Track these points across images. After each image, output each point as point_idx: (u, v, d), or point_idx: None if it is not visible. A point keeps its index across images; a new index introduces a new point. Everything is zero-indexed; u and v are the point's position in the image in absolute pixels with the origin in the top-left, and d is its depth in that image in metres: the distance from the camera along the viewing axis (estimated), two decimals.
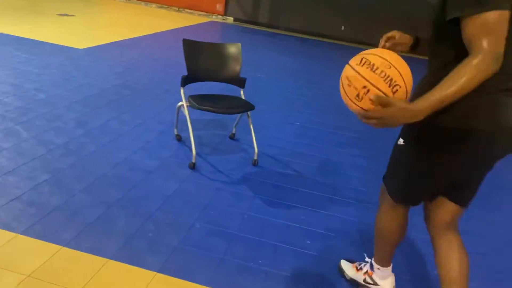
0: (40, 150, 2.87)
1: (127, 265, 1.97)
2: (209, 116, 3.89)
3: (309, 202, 2.75)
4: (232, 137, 3.56)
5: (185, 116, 3.07)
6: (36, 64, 4.62)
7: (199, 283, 1.93)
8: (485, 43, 1.25)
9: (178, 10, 10.83)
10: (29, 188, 2.43)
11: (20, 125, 3.18)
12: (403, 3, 9.48)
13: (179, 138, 3.35)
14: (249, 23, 10.55)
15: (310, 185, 2.99)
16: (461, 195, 1.64)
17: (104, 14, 8.60)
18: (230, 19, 10.73)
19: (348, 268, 2.10)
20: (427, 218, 1.76)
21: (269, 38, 9.21)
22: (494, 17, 1.25)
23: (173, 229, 2.27)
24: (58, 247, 2.02)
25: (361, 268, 2.05)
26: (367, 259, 2.08)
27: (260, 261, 2.13)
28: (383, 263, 1.94)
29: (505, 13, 1.26)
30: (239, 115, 3.47)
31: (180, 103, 3.14)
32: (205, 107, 2.83)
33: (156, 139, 3.30)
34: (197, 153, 3.15)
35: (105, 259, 1.98)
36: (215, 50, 3.23)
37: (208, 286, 1.92)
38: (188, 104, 3.00)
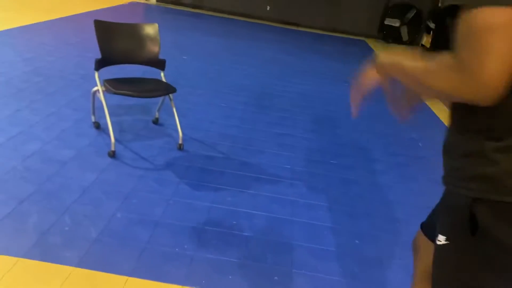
0: None
1: (41, 262, 1.85)
2: (130, 101, 3.73)
3: (235, 183, 2.74)
4: (156, 122, 3.45)
5: (102, 102, 2.91)
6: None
7: (121, 274, 1.85)
8: (466, 53, 0.80)
9: None
10: None
11: None
12: None
13: (97, 126, 3.18)
14: (172, 4, 10.24)
15: (237, 166, 2.98)
16: None
17: None
18: (152, 0, 10.34)
19: None
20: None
21: (193, 19, 9.01)
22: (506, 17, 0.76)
23: (91, 221, 2.16)
24: None
25: None
26: None
27: (185, 246, 2.10)
28: None
29: None
30: (162, 98, 3.36)
31: (95, 88, 2.97)
32: (121, 91, 2.69)
33: (71, 128, 3.10)
34: (117, 140, 3.02)
35: (15, 258, 1.84)
36: (131, 31, 3.07)
37: (130, 276, 1.85)
38: (104, 89, 2.84)
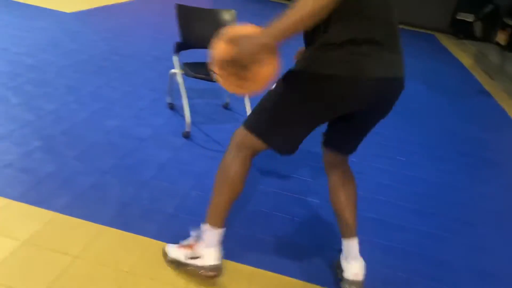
0: (30, 116, 2.81)
1: (123, 231, 1.98)
2: (202, 84, 3.83)
3: (300, 172, 2.77)
4: (226, 106, 3.54)
5: (177, 84, 3.03)
6: (22, 28, 4.48)
7: None
8: None
9: None
10: (21, 154, 2.40)
11: (9, 90, 3.11)
12: None
13: (172, 107, 3.32)
14: None
15: (302, 154, 3.00)
16: (348, 144, 1.77)
17: None
18: None
19: (171, 248, 1.83)
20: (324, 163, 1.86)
21: (264, 6, 9.04)
22: None
23: (168, 197, 2.28)
24: (53, 213, 2.01)
25: (183, 246, 1.79)
26: (192, 233, 1.83)
27: (254, 230, 2.16)
28: (217, 222, 1.69)
29: None
30: None
31: (173, 70, 3.09)
32: (200, 75, 2.79)
33: (148, 107, 3.26)
34: (191, 122, 3.13)
35: (100, 226, 1.99)
36: (209, 16, 3.16)
37: None
38: (182, 72, 2.95)
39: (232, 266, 1.90)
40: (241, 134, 1.64)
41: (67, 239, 1.87)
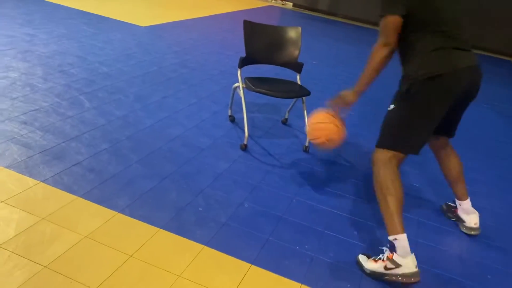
0: (101, 120, 3.00)
1: (177, 236, 2.04)
2: (263, 99, 3.90)
3: (358, 193, 2.71)
4: (285, 122, 3.56)
5: (239, 98, 3.10)
6: (100, 39, 4.81)
7: (245, 260, 1.96)
8: (381, 36, 1.99)
9: None
10: (90, 155, 2.56)
11: (84, 95, 3.34)
12: None
13: (232, 119, 3.39)
14: (308, 9, 10.42)
15: (360, 175, 2.94)
16: (453, 128, 2.29)
17: None
18: (289, 4, 10.64)
19: (365, 262, 2.03)
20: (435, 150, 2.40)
21: (326, 25, 9.06)
22: (389, 19, 1.96)
23: (222, 206, 2.32)
24: (114, 212, 2.12)
25: (379, 259, 1.98)
26: (384, 249, 2.02)
27: (306, 246, 2.14)
28: (398, 229, 1.91)
29: (397, 17, 1.94)
30: (293, 100, 3.46)
31: (236, 84, 3.17)
32: (262, 90, 2.84)
33: (209, 118, 3.36)
34: (249, 135, 3.18)
35: (156, 228, 2.06)
36: (275, 33, 3.22)
37: (253, 265, 1.95)
38: (244, 86, 3.02)
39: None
40: (380, 153, 2.06)
41: (125, 238, 1.96)
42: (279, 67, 3.30)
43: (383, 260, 1.96)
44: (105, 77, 3.77)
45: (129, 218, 2.10)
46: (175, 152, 2.78)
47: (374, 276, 1.97)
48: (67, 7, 5.98)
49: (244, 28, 3.09)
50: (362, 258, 2.06)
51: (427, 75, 1.91)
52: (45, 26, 4.91)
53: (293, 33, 3.22)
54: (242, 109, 3.06)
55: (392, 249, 1.93)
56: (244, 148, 2.96)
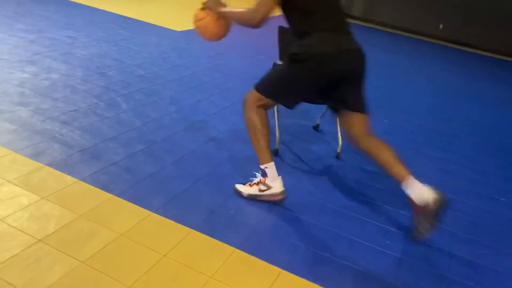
0: (137, 122, 3.07)
1: (209, 237, 2.07)
2: None
3: (391, 202, 2.67)
4: (316, 128, 3.55)
5: None
6: (137, 42, 4.94)
7: (276, 265, 1.97)
8: (255, 11, 2.13)
9: None
10: (126, 155, 2.63)
11: (121, 97, 3.43)
12: (508, 3, 8.76)
13: None
14: None
15: (393, 185, 2.89)
16: (353, 104, 2.33)
17: None
18: None
19: (243, 188, 2.44)
20: (349, 138, 2.40)
21: (360, 32, 8.98)
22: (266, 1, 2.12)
23: (253, 210, 2.34)
24: (148, 212, 2.16)
25: (254, 184, 2.41)
26: (257, 175, 2.44)
27: (336, 253, 2.13)
28: (267, 159, 2.36)
29: (271, 3, 2.12)
30: (326, 106, 3.44)
31: None
32: None
33: (241, 122, 3.37)
34: (280, 140, 3.19)
35: (189, 229, 2.10)
36: None
37: (284, 269, 1.95)
38: None
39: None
40: (253, 94, 2.36)
41: (158, 238, 2.00)
42: None
43: (257, 184, 2.40)
44: (141, 80, 3.86)
45: (163, 218, 2.14)
46: (209, 154, 2.82)
47: (251, 197, 2.41)
48: (106, 11, 6.16)
49: (279, 34, 3.11)
50: (239, 186, 2.47)
51: (313, 51, 2.16)
52: (85, 30, 5.08)
53: None
54: (273, 114, 3.08)
55: (264, 175, 2.36)
56: (276, 153, 2.97)
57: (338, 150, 3.13)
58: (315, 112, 3.80)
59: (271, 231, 2.20)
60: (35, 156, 2.45)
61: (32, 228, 1.92)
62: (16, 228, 1.90)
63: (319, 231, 2.27)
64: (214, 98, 3.78)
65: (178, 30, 5.92)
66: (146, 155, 2.67)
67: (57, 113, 3.00)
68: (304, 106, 3.90)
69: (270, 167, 2.36)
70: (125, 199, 2.23)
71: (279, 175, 2.38)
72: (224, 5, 2.34)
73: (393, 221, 2.49)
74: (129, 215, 2.12)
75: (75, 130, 2.81)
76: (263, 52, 5.64)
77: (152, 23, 6.02)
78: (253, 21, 2.12)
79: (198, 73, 4.35)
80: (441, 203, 2.15)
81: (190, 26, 6.25)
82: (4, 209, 2.00)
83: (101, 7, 6.32)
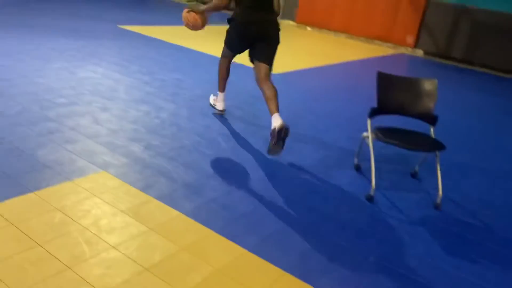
0: (237, 160, 3.23)
1: (302, 282, 2.08)
2: (391, 150, 3.82)
3: (497, 260, 2.47)
4: (414, 175, 3.43)
5: (366, 146, 3.09)
6: (239, 85, 5.22)
7: None
8: None
9: (366, 41, 10.92)
10: (223, 192, 2.77)
11: (221, 136, 3.64)
12: None
13: (357, 168, 3.39)
14: (440, 57, 10.00)
15: (499, 240, 2.68)
16: (259, 56, 3.70)
17: (295, 42, 9.22)
18: (419, 52, 10.34)
19: (211, 98, 4.26)
20: (256, 79, 3.74)
21: (461, 74, 8.58)
22: None
23: (345, 257, 2.31)
24: (243, 250, 2.25)
25: (214, 97, 4.22)
26: (214, 94, 4.26)
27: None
28: (221, 90, 4.08)
29: None
30: (426, 153, 3.33)
31: (365, 134, 3.17)
32: (392, 141, 2.81)
33: (335, 165, 3.40)
34: (375, 186, 3.14)
35: (282, 271, 2.13)
36: (410, 85, 3.18)
37: None
38: (374, 136, 3.02)
39: None
40: (224, 48, 3.93)
41: (252, 276, 2.06)
42: (408, 117, 3.23)
43: (214, 99, 4.20)
44: (240, 120, 4.07)
45: (257, 257, 2.21)
46: (302, 197, 2.86)
47: (211, 105, 4.25)
48: (210, 54, 6.63)
49: (378, 79, 3.12)
50: (211, 97, 4.29)
51: (237, 20, 3.67)
52: (191, 72, 5.52)
53: (429, 85, 3.15)
54: (369, 158, 3.05)
55: (216, 96, 4.16)
56: (371, 199, 2.93)
57: (438, 200, 2.99)
58: (412, 158, 3.68)
59: (364, 280, 2.15)
60: (145, 188, 2.69)
61: (140, 257, 2.09)
62: (126, 255, 2.09)
63: (414, 285, 2.17)
64: (308, 140, 3.84)
65: (276, 73, 6.16)
66: (242, 193, 2.79)
67: (165, 149, 3.27)
68: (401, 151, 3.81)
69: (221, 95, 4.09)
70: (222, 235, 2.34)
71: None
72: (201, 6, 3.75)
73: (501, 282, 2.29)
74: (226, 251, 2.22)
75: (179, 166, 3.04)
76: (358, 95, 5.63)
77: (240, 63, 6.33)
78: (221, 4, 3.57)
79: (292, 114, 4.47)
80: (282, 128, 3.14)
81: (286, 68, 6.47)
82: (117, 237, 2.22)
83: (206, 51, 6.82)
